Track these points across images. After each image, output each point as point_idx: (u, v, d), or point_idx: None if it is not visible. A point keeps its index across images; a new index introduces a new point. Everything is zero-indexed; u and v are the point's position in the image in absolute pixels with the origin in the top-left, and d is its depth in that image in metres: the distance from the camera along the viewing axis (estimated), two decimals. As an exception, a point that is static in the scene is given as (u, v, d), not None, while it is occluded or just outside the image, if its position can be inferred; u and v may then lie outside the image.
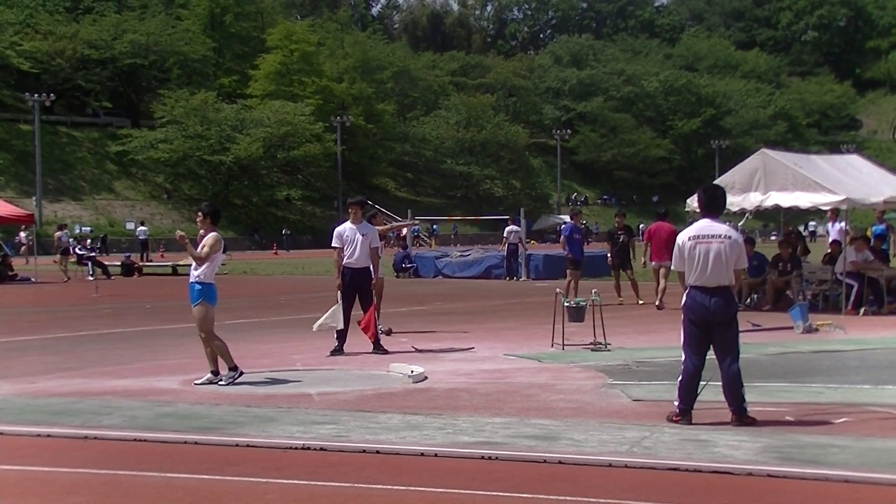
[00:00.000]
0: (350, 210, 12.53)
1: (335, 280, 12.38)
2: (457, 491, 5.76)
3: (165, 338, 14.18)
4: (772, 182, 17.00)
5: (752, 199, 17.13)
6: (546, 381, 9.69)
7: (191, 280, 9.89)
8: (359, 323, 12.10)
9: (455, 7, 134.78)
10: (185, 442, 7.10)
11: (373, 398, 8.86)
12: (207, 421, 7.82)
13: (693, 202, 13.03)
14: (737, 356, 7.55)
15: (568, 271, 19.26)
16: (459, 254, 32.06)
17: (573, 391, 9.05)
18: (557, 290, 13.42)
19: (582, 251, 19.79)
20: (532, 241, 55.37)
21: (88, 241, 37.31)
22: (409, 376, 9.82)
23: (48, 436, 7.38)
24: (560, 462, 6.33)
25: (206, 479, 6.17)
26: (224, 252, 10.36)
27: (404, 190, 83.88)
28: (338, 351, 11.87)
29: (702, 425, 7.38)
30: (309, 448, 6.83)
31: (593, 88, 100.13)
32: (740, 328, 7.79)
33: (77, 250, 32.71)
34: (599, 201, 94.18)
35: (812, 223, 62.29)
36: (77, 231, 49.07)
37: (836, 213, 19.11)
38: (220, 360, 9.82)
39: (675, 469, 6.14)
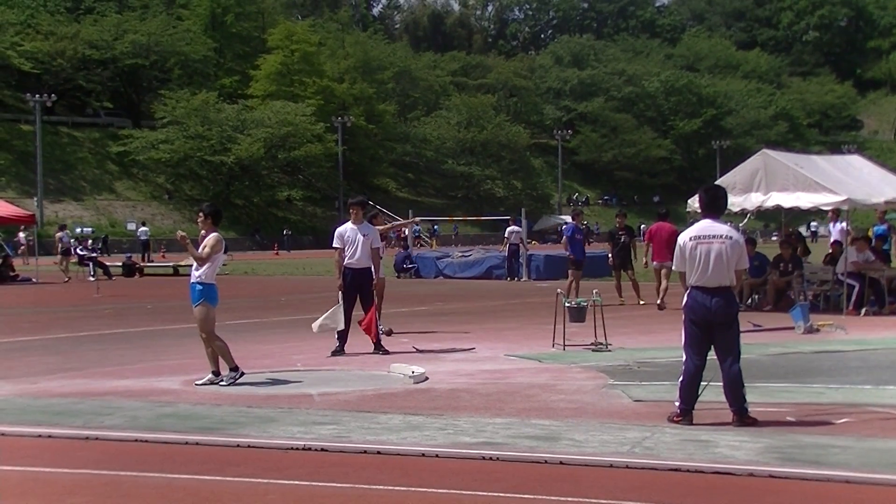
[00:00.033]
0: (351, 210, 12.53)
1: (336, 280, 12.38)
2: (458, 491, 5.76)
3: (166, 338, 14.18)
4: (773, 182, 17.00)
5: (754, 200, 17.13)
6: (547, 381, 9.69)
7: (192, 280, 9.89)
8: (360, 323, 12.10)
9: (456, 7, 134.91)
10: (187, 442, 7.10)
11: (374, 398, 8.86)
12: (208, 421, 7.82)
13: (694, 202, 13.01)
14: (738, 356, 7.55)
15: (570, 271, 19.26)
16: (460, 254, 32.06)
17: (574, 391, 9.05)
18: (558, 290, 13.42)
19: (583, 251, 19.81)
20: (533, 242, 55.34)
21: (90, 241, 37.34)
22: (410, 377, 9.82)
23: (49, 436, 7.39)
24: (561, 462, 6.33)
25: (208, 479, 6.17)
26: (225, 252, 10.35)
27: (405, 190, 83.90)
28: (339, 351, 11.87)
29: (703, 426, 7.37)
30: (310, 448, 6.83)
31: (594, 88, 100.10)
32: (741, 328, 7.79)
33: (78, 251, 32.73)
34: (600, 201, 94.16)
35: (813, 223, 62.25)
36: (78, 231, 49.06)
37: (836, 214, 19.10)
38: (221, 360, 9.82)
39: (676, 469, 6.14)
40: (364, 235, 12.19)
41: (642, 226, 55.89)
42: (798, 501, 5.63)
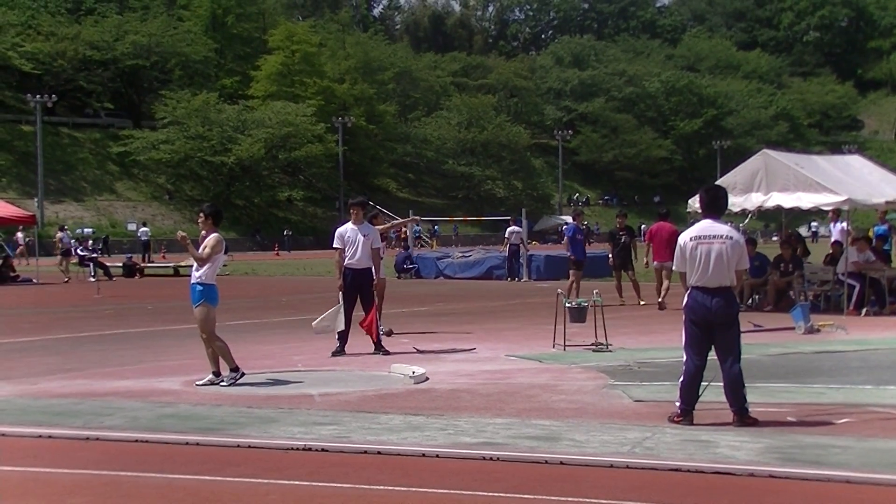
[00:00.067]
0: (351, 211, 12.53)
1: (336, 281, 12.38)
2: (458, 492, 5.76)
3: (167, 339, 14.18)
4: (773, 182, 16.99)
5: (754, 200, 17.12)
6: (547, 381, 9.69)
7: (192, 281, 9.89)
8: (361, 324, 12.10)
9: (456, 8, 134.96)
10: (187, 443, 7.10)
11: (374, 399, 8.86)
12: (209, 422, 7.82)
13: (695, 203, 13.01)
14: (738, 357, 7.55)
15: (571, 272, 19.26)
16: (461, 254, 32.06)
17: (574, 392, 9.05)
18: (559, 290, 13.42)
19: (584, 252, 19.82)
20: (533, 242, 55.34)
21: (90, 241, 37.35)
22: (411, 377, 9.82)
23: (49, 437, 7.39)
24: (561, 463, 6.33)
25: (208, 479, 6.17)
26: (225, 253, 10.35)
27: (406, 191, 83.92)
28: (339, 352, 11.87)
29: (703, 426, 7.37)
30: (310, 449, 6.83)
31: (595, 89, 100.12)
32: (742, 329, 7.79)
33: (79, 251, 32.74)
34: (601, 202, 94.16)
35: (814, 223, 62.24)
36: (78, 233, 49.06)
37: (837, 214, 19.10)
38: (221, 361, 9.82)
39: (676, 470, 6.14)
40: (364, 236, 12.19)
41: (643, 226, 55.91)
42: (798, 501, 5.63)
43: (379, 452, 6.68)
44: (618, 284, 19.80)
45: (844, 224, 18.34)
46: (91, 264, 31.37)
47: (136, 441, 7.18)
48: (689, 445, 6.74)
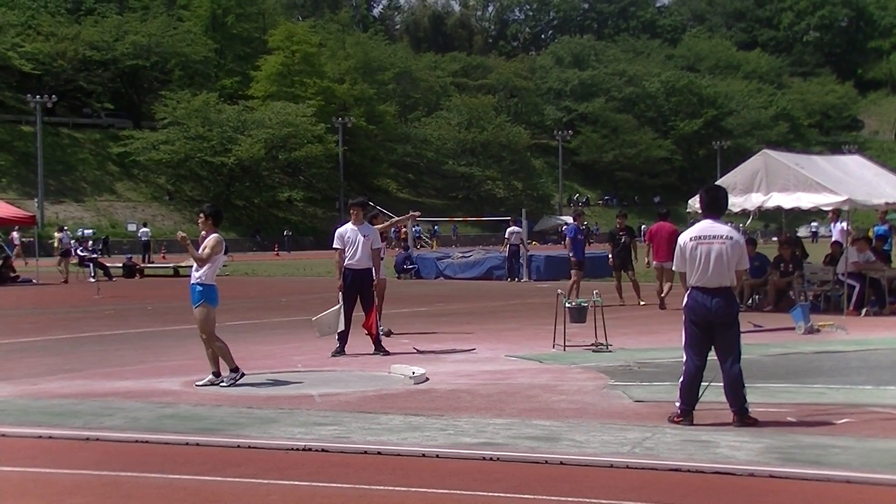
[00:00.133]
0: (351, 211, 12.53)
1: (336, 281, 12.38)
2: (458, 492, 5.77)
3: (167, 339, 14.19)
4: (773, 183, 16.99)
5: (754, 200, 17.12)
6: (547, 381, 9.69)
7: (192, 281, 9.89)
8: (364, 325, 12.11)
9: (456, 8, 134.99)
10: (187, 443, 7.10)
11: (374, 399, 8.87)
12: (209, 422, 7.82)
13: (695, 203, 13.02)
14: (738, 357, 7.55)
15: (572, 272, 19.26)
16: (461, 255, 32.05)
17: (574, 392, 9.05)
18: (559, 290, 13.42)
19: (584, 252, 19.82)
20: (533, 242, 55.35)
21: (90, 242, 37.34)
22: (411, 377, 9.83)
23: (50, 437, 7.39)
24: (561, 463, 6.33)
25: (208, 480, 6.18)
26: (225, 253, 10.36)
27: (406, 191, 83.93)
28: (339, 352, 11.88)
29: (703, 426, 7.37)
30: (310, 449, 6.83)
31: (595, 89, 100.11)
32: (742, 329, 7.79)
33: (79, 252, 32.74)
34: (601, 202, 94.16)
35: (814, 224, 62.26)
36: (78, 234, 49.04)
37: (837, 214, 19.10)
38: (221, 361, 9.82)
39: (676, 470, 6.14)
40: (364, 236, 12.19)
41: (643, 226, 55.90)
42: (799, 502, 5.63)
43: (379, 453, 6.68)
44: (618, 285, 19.80)
45: (844, 224, 18.34)
46: (91, 265, 31.37)
47: (137, 441, 7.18)
48: (689, 445, 6.74)
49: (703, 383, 7.58)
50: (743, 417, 7.42)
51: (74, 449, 7.08)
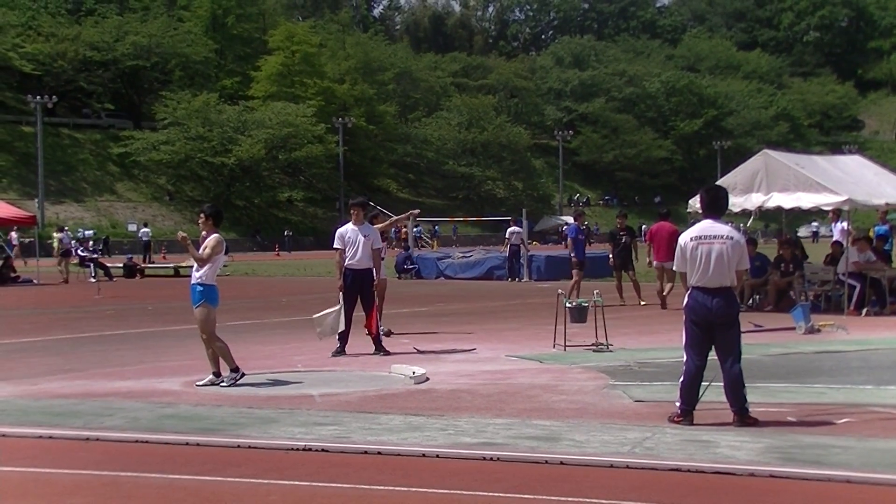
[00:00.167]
0: (352, 211, 12.53)
1: (337, 281, 12.38)
2: (458, 492, 5.76)
3: (167, 339, 14.19)
4: (774, 183, 16.99)
5: (754, 200, 17.11)
6: (548, 381, 9.69)
7: (192, 281, 9.89)
8: (365, 325, 12.11)
9: (457, 8, 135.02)
10: (187, 443, 7.10)
11: (374, 399, 8.86)
12: (209, 422, 7.82)
13: (695, 203, 13.02)
14: (738, 357, 7.55)
15: (574, 272, 19.26)
16: (461, 255, 32.06)
17: (575, 392, 9.05)
18: (559, 290, 13.42)
19: (584, 252, 19.83)
20: (534, 242, 55.36)
21: (90, 242, 37.34)
22: (411, 377, 9.83)
23: (50, 437, 7.39)
24: (562, 463, 6.33)
25: (208, 480, 6.18)
26: (226, 253, 10.36)
27: (406, 191, 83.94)
28: (339, 352, 11.88)
29: (703, 426, 7.37)
30: (311, 449, 6.83)
31: (595, 89, 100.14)
32: (742, 329, 7.79)
33: (79, 252, 32.74)
34: (601, 202, 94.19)
35: (814, 223, 62.25)
36: (79, 235, 49.03)
37: (837, 214, 19.09)
38: (221, 361, 9.82)
39: (676, 470, 6.14)
40: (365, 236, 12.19)
41: (643, 226, 55.91)
42: (799, 501, 5.63)
43: (379, 453, 6.68)
44: (618, 285, 19.80)
45: (845, 224, 18.34)
46: (92, 265, 31.38)
47: (137, 441, 7.18)
48: (689, 445, 6.74)
49: (703, 383, 7.58)
50: (743, 417, 7.42)
51: (74, 449, 7.07)
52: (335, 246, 12.32)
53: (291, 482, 6.02)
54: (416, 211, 17.44)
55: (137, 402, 8.82)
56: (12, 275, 30.22)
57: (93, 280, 29.96)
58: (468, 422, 7.64)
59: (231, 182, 69.03)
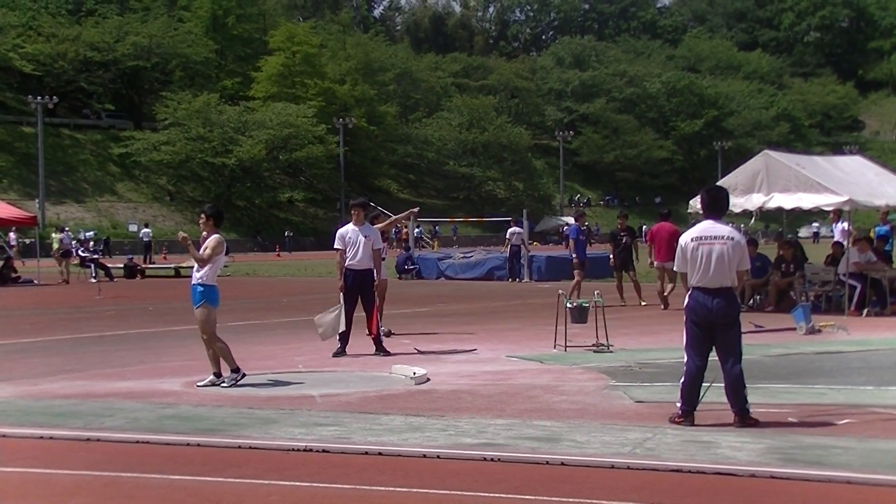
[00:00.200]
0: (352, 212, 12.52)
1: (337, 282, 12.38)
2: (459, 492, 5.76)
3: (168, 340, 14.18)
4: (774, 183, 16.98)
5: (755, 201, 17.11)
6: (548, 382, 9.68)
7: (193, 282, 9.88)
8: (368, 326, 12.12)
9: (457, 9, 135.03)
10: (188, 444, 7.10)
11: (375, 400, 8.86)
12: (210, 423, 7.82)
13: (696, 203, 13.02)
14: (739, 357, 7.54)
15: (575, 272, 19.26)
16: (462, 255, 32.06)
17: (575, 392, 9.04)
18: (560, 291, 13.41)
19: (585, 252, 19.83)
20: (534, 243, 55.35)
21: (91, 242, 37.33)
22: (412, 378, 9.82)
23: (50, 438, 7.39)
24: (562, 463, 6.33)
25: (209, 480, 6.17)
26: (226, 254, 10.36)
27: (406, 191, 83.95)
28: (340, 353, 11.88)
29: (704, 426, 7.37)
30: (311, 450, 6.83)
31: (595, 90, 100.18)
32: (743, 329, 7.79)
33: (80, 252, 32.74)
34: (602, 202, 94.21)
35: (815, 224, 62.25)
36: (80, 235, 49.01)
37: (838, 214, 19.09)
38: (222, 361, 9.82)
39: (677, 470, 6.14)
40: (365, 237, 12.19)
41: (643, 227, 55.91)
42: (800, 502, 5.63)
43: (380, 453, 6.68)
44: (619, 285, 19.80)
45: (846, 225, 18.34)
46: (92, 265, 31.38)
47: (137, 442, 7.18)
48: (690, 446, 6.74)
49: (704, 384, 7.58)
50: (744, 418, 7.41)
51: (75, 449, 7.07)
52: (336, 246, 12.32)
53: (292, 483, 6.02)
54: (416, 209, 17.43)
55: (138, 402, 8.81)
56: (13, 275, 30.22)
57: (93, 280, 29.96)
58: (469, 422, 7.64)
59: (232, 182, 69.06)
